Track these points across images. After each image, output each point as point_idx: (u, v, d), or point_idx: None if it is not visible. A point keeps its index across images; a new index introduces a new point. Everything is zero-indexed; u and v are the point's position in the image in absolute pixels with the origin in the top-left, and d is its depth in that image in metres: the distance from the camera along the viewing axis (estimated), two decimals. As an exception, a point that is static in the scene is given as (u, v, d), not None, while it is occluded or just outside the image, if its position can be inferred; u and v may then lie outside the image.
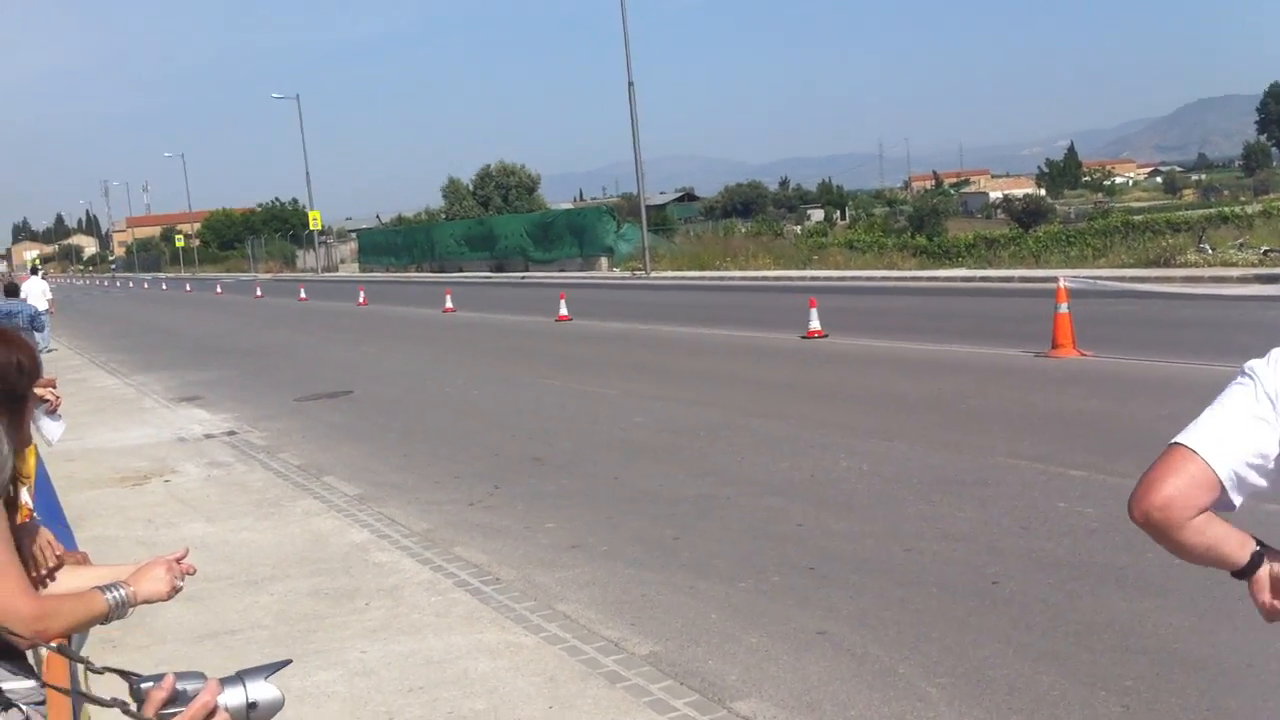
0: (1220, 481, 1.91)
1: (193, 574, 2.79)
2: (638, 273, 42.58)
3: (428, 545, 7.88)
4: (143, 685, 1.82)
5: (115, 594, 2.56)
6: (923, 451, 9.59)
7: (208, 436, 13.13)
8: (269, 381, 18.32)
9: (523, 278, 49.11)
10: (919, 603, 6.08)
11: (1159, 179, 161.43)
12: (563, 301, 25.42)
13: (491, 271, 55.57)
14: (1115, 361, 13.46)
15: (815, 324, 17.93)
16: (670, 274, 40.56)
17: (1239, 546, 1.96)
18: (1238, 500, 1.94)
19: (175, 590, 2.69)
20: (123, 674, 1.84)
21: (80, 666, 2.69)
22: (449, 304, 30.73)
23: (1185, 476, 1.91)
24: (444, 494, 9.54)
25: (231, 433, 13.31)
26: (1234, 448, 1.92)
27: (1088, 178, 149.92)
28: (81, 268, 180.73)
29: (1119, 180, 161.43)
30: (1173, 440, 1.95)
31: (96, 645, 5.23)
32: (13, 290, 20.28)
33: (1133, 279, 23.73)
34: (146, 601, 2.62)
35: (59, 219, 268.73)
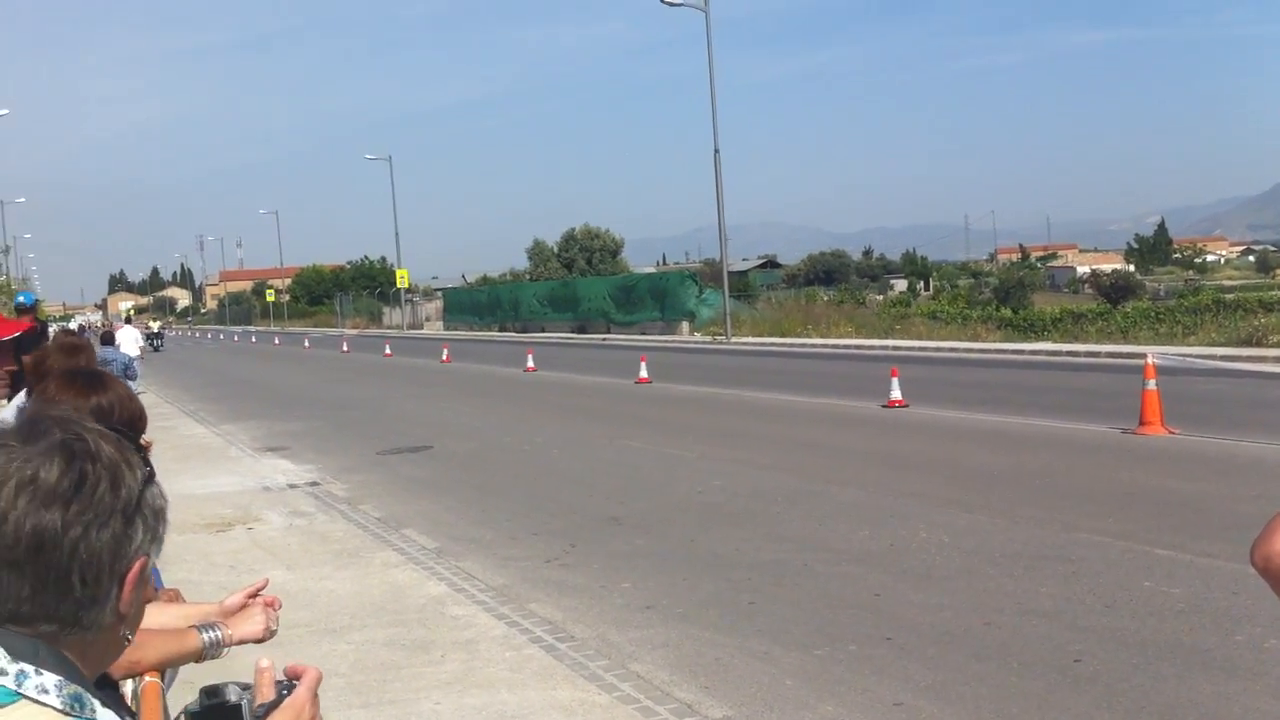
0: None
1: (277, 609, 2.79)
2: (718, 338, 42.60)
3: (504, 600, 7.92)
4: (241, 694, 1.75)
5: (211, 634, 2.56)
6: (1005, 525, 9.46)
7: (291, 486, 13.33)
8: (352, 434, 18.57)
9: (604, 339, 49.36)
10: (998, 678, 5.98)
11: (1251, 258, 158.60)
12: (643, 364, 25.49)
13: (573, 333, 55.92)
14: (1204, 440, 13.19)
15: (896, 393, 17.80)
16: (751, 340, 40.53)
17: None
18: None
19: (270, 633, 2.69)
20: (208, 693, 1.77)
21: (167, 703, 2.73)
22: (530, 363, 30.98)
23: None
24: (521, 550, 9.58)
25: (314, 483, 13.50)
26: None
27: (1178, 255, 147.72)
28: (173, 319, 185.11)
29: (1210, 258, 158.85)
30: None
31: (175, 686, 5.30)
32: (109, 339, 20.82)
33: (1223, 358, 23.29)
34: (241, 642, 2.62)
35: (154, 271, 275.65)
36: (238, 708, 1.69)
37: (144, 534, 1.37)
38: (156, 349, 58.68)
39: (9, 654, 1.27)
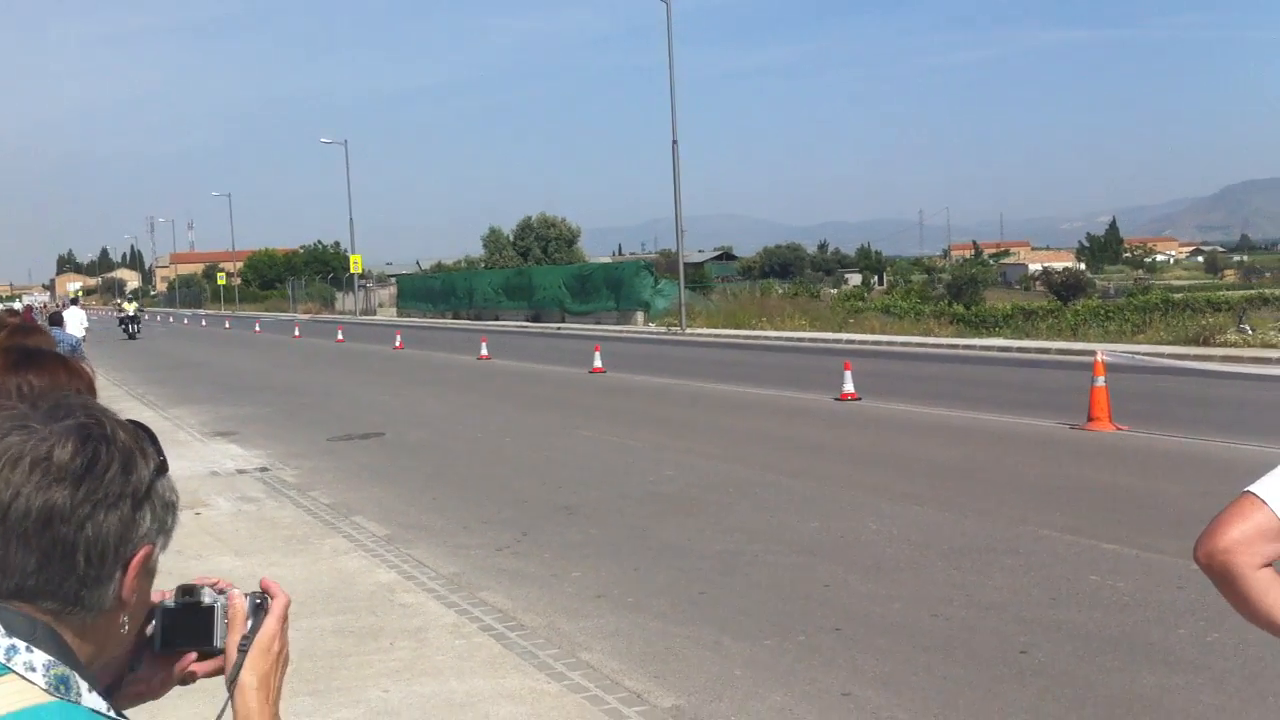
0: None
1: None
2: (673, 329, 42.64)
3: (454, 588, 7.89)
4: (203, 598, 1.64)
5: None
6: (953, 518, 9.53)
7: (240, 472, 13.21)
8: (303, 420, 18.43)
9: (558, 329, 49.27)
10: (945, 669, 6.03)
11: (1200, 258, 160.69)
12: (597, 354, 25.47)
13: (528, 321, 55.78)
14: (1151, 437, 13.35)
15: (849, 387, 17.89)
16: (705, 331, 40.59)
17: None
18: None
19: None
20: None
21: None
22: (484, 351, 30.86)
23: (1251, 524, 1.87)
24: (472, 538, 9.55)
25: (264, 469, 13.39)
26: None
27: (1128, 254, 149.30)
28: (121, 300, 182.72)
29: (1160, 258, 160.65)
30: (1246, 488, 1.93)
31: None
32: (57, 320, 20.57)
33: (1171, 356, 23.58)
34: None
35: (104, 252, 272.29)
36: (210, 610, 1.65)
37: (151, 522, 1.41)
38: (132, 335, 50.79)
39: (5, 629, 1.30)
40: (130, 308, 54.14)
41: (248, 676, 1.60)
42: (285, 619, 1.68)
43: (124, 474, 1.37)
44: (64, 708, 1.27)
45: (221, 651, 1.64)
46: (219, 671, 1.64)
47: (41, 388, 2.60)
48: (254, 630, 1.63)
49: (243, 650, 1.62)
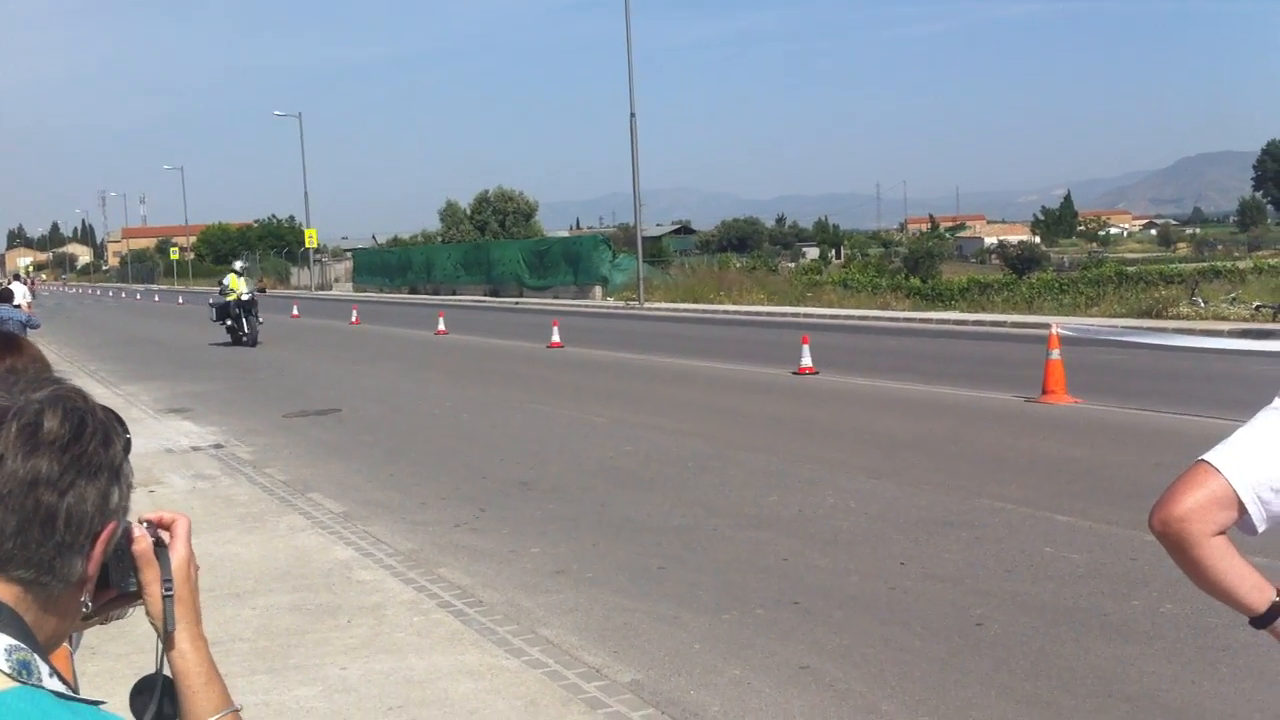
0: (1240, 500, 1.88)
1: None
2: (631, 303, 42.60)
3: (412, 565, 7.86)
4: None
5: None
6: (910, 491, 9.59)
7: (194, 449, 13.10)
8: (258, 397, 18.29)
9: (516, 303, 49.11)
10: (902, 641, 6.07)
11: (1153, 231, 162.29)
12: (555, 328, 25.42)
13: (486, 296, 55.57)
14: (1105, 409, 13.48)
15: (807, 360, 17.95)
16: (664, 305, 40.58)
17: (1256, 591, 1.90)
18: (1260, 525, 1.90)
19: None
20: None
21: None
22: (441, 326, 30.73)
23: (1205, 491, 1.89)
24: (430, 514, 9.51)
25: (218, 446, 13.28)
26: (1257, 469, 1.89)
27: (1083, 227, 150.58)
28: (72, 276, 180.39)
29: (1114, 231, 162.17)
30: (1200, 457, 1.94)
31: (80, 650, 5.18)
32: (7, 296, 20.30)
33: (1125, 328, 23.79)
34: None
35: (54, 226, 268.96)
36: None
37: (119, 499, 1.41)
38: (244, 339, 28.32)
39: None
40: (241, 285, 29.24)
41: (179, 610, 1.60)
42: (189, 541, 1.66)
43: (104, 447, 1.39)
44: (29, 692, 1.26)
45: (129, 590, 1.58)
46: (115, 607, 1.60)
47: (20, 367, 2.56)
48: (167, 565, 1.60)
49: (169, 594, 1.59)
